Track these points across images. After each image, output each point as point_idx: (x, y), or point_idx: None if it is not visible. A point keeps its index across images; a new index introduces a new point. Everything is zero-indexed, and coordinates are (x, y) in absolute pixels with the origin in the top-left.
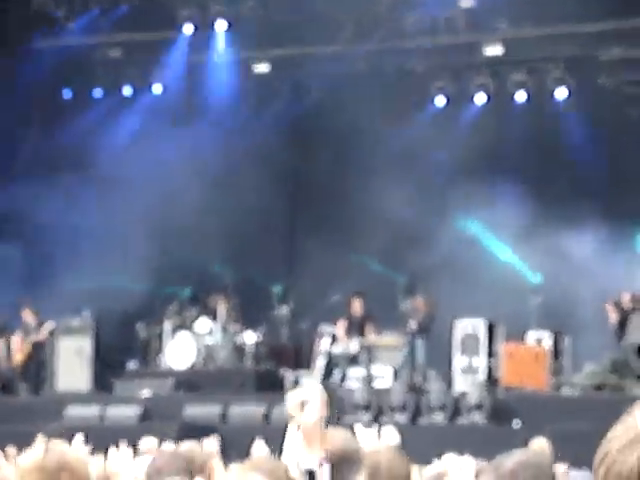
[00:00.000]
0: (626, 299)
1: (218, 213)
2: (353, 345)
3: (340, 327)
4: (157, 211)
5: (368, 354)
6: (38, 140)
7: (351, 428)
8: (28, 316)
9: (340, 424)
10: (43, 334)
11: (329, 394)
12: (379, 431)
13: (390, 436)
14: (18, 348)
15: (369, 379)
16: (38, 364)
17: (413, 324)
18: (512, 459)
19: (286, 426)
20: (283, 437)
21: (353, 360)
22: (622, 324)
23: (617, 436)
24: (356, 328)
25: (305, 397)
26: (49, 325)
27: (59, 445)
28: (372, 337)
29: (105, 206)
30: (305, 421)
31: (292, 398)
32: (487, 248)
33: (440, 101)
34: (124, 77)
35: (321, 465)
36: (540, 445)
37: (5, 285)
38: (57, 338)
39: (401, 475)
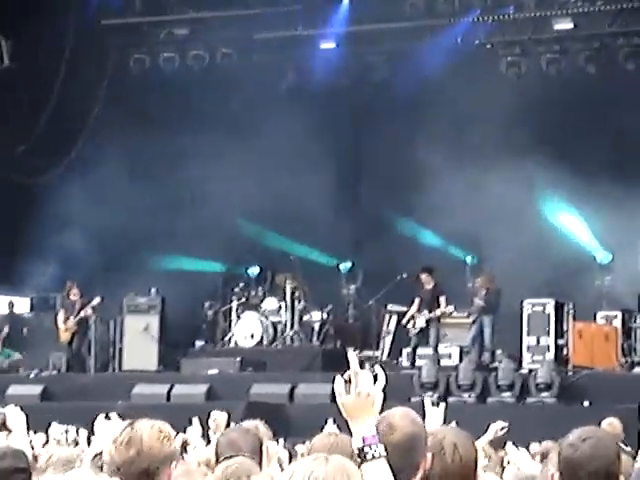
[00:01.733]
0: None
1: (284, 192)
2: (420, 320)
3: (414, 304)
4: (226, 191)
5: (436, 330)
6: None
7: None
8: (73, 295)
9: (409, 404)
10: (87, 311)
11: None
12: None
13: (438, 415)
14: (62, 327)
15: (436, 357)
16: (82, 342)
17: (479, 302)
18: (574, 433)
19: None
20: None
21: (421, 338)
22: None
23: None
24: (428, 303)
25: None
26: (94, 301)
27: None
28: (441, 310)
29: (176, 184)
30: (346, 401)
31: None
32: (558, 225)
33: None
34: None
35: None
36: (612, 423)
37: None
38: (125, 317)
39: (467, 455)
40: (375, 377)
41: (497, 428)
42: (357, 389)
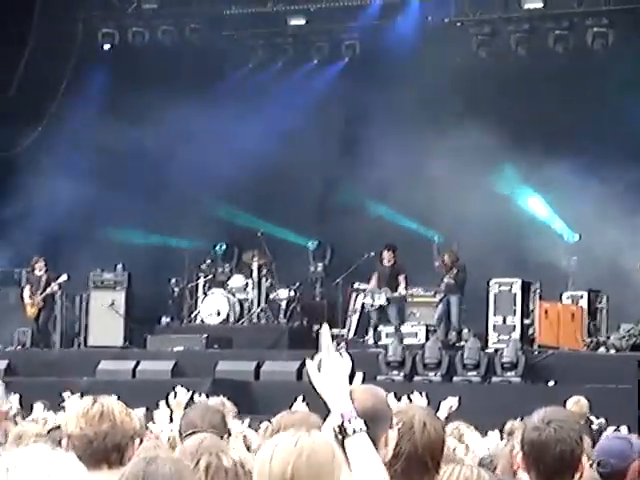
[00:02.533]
0: None
1: (251, 170)
2: (380, 297)
3: (372, 280)
4: (193, 168)
5: (397, 308)
6: None
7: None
8: (39, 270)
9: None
10: (54, 288)
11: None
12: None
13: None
14: (29, 302)
15: (400, 335)
16: (48, 317)
17: (450, 280)
18: (538, 414)
19: None
20: (315, 394)
21: (384, 315)
22: None
23: None
24: (386, 280)
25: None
26: (61, 278)
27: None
28: (403, 290)
29: (144, 159)
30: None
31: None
32: (525, 206)
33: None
34: None
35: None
36: (579, 402)
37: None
38: (90, 292)
39: (436, 433)
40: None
41: (449, 405)
42: (330, 366)
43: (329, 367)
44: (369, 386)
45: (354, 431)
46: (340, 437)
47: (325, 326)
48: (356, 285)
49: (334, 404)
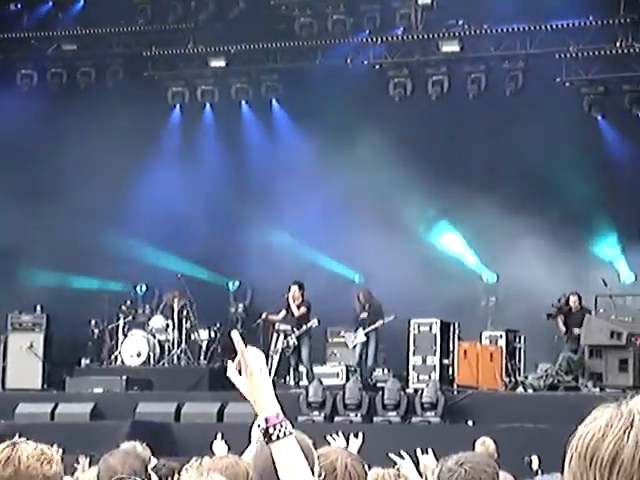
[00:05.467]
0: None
1: (172, 207)
2: (292, 339)
3: (280, 314)
4: (110, 207)
5: (308, 346)
6: None
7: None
8: None
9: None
10: None
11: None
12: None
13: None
14: None
15: (311, 376)
16: None
17: (363, 317)
18: (452, 458)
19: (239, 424)
20: (237, 435)
21: (298, 356)
22: (566, 324)
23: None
24: (294, 318)
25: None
26: None
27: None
28: (307, 325)
29: (59, 201)
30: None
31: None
32: (445, 246)
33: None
34: None
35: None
36: (484, 443)
37: None
38: (8, 335)
39: (357, 475)
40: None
41: (357, 446)
42: (249, 368)
43: (249, 367)
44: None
45: (278, 437)
46: (265, 441)
47: (235, 331)
48: (277, 326)
49: (259, 407)
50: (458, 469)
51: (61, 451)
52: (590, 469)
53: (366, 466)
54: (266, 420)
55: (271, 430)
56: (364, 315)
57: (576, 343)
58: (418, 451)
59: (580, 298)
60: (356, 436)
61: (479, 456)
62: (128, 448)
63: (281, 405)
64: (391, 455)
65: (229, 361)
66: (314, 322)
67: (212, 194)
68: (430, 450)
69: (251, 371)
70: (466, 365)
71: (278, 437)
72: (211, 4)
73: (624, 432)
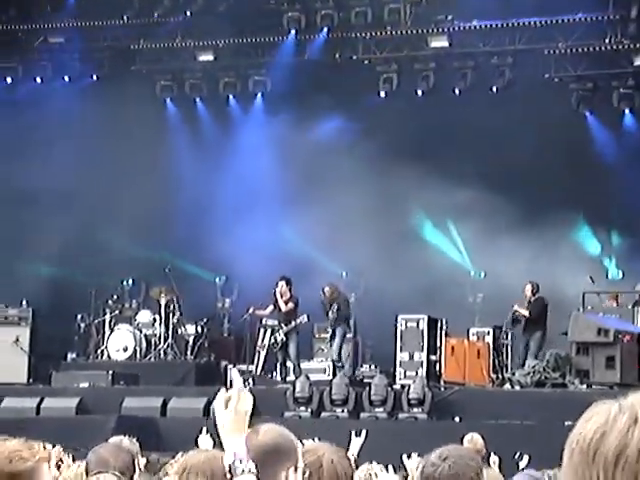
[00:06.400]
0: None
1: (158, 203)
2: (279, 336)
3: (267, 309)
4: (99, 202)
5: (296, 342)
6: None
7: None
8: None
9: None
10: None
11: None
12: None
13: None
14: None
15: (298, 372)
16: None
17: (331, 315)
18: (435, 452)
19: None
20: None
21: (286, 351)
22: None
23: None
24: (281, 313)
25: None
26: None
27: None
28: (295, 322)
29: (48, 197)
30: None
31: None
32: (432, 241)
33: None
34: None
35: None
36: (472, 439)
37: None
38: None
39: (344, 473)
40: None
41: (359, 443)
42: (237, 406)
43: (238, 405)
44: (274, 425)
45: (243, 471)
46: (229, 476)
47: (235, 369)
48: (264, 321)
49: (228, 442)
50: (441, 463)
51: (50, 447)
52: (593, 464)
53: (353, 462)
54: (234, 454)
55: (237, 464)
56: (332, 315)
57: (530, 331)
58: (404, 457)
59: (534, 286)
60: (358, 434)
61: (462, 450)
62: (117, 442)
63: (268, 400)
64: (404, 457)
65: (221, 389)
66: (304, 318)
67: (200, 188)
68: (414, 455)
69: (239, 411)
70: (453, 361)
71: (243, 471)
72: None
73: (628, 428)
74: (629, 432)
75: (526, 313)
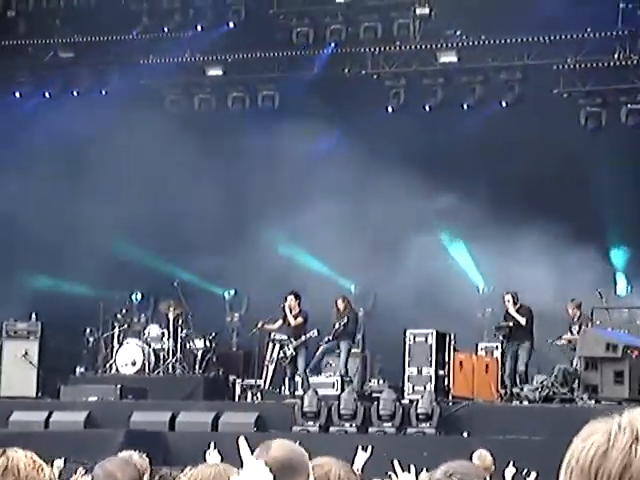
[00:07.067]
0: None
1: (168, 217)
2: (289, 350)
3: (277, 323)
4: (107, 215)
5: (304, 356)
6: None
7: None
8: None
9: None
10: None
11: None
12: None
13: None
14: None
15: (307, 386)
16: None
17: (338, 327)
18: (441, 468)
19: (234, 434)
20: (231, 444)
21: (295, 366)
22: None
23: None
24: (291, 329)
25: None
26: None
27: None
28: (305, 336)
29: (54, 207)
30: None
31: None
32: (443, 256)
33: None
34: None
35: None
36: (481, 456)
37: None
38: (3, 342)
39: None
40: None
41: (364, 458)
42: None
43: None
44: (285, 440)
45: None
46: None
47: (242, 438)
48: (273, 335)
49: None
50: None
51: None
52: None
53: (358, 477)
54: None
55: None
56: (338, 327)
57: (519, 340)
58: (396, 464)
59: (514, 297)
60: (365, 449)
61: (468, 466)
62: (126, 456)
63: (276, 415)
64: (395, 463)
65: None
66: (314, 332)
67: (209, 203)
68: (412, 467)
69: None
70: (461, 376)
71: None
72: (210, 12)
73: (630, 446)
74: (632, 450)
75: (523, 321)
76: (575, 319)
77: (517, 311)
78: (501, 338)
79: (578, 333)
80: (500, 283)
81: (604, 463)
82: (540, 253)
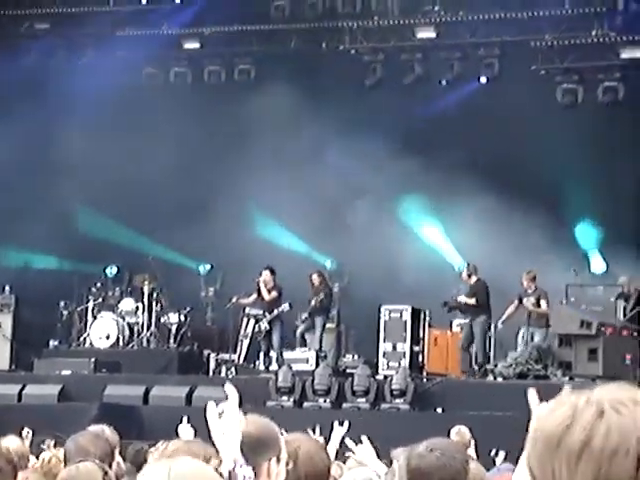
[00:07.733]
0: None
1: (142, 189)
2: (263, 324)
3: (251, 297)
4: (83, 188)
5: (279, 331)
6: None
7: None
8: None
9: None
10: None
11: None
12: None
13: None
14: None
15: (281, 361)
16: None
17: (314, 303)
18: (422, 444)
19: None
20: (205, 419)
21: (269, 340)
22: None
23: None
24: (265, 302)
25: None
26: None
27: None
28: (278, 310)
29: (31, 182)
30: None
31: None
32: (417, 233)
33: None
34: None
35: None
36: (460, 432)
37: None
38: None
39: (320, 465)
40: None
41: (340, 435)
42: (229, 419)
43: (229, 419)
44: (257, 416)
45: (243, 477)
46: None
47: (228, 384)
48: (247, 310)
49: (227, 450)
50: (429, 455)
51: (31, 433)
52: (557, 455)
53: (334, 452)
54: (234, 461)
55: (237, 469)
56: (314, 303)
57: (473, 315)
58: (348, 441)
59: (470, 269)
60: (341, 424)
61: (449, 442)
62: (97, 430)
63: (250, 390)
64: (348, 442)
65: (211, 402)
66: (285, 306)
67: (183, 177)
68: (365, 438)
69: (230, 422)
70: (436, 352)
71: (244, 477)
72: None
73: (594, 420)
74: (595, 424)
75: (472, 302)
76: (530, 291)
77: (472, 285)
78: (458, 313)
79: (533, 306)
80: (475, 260)
81: (567, 435)
82: (514, 230)
